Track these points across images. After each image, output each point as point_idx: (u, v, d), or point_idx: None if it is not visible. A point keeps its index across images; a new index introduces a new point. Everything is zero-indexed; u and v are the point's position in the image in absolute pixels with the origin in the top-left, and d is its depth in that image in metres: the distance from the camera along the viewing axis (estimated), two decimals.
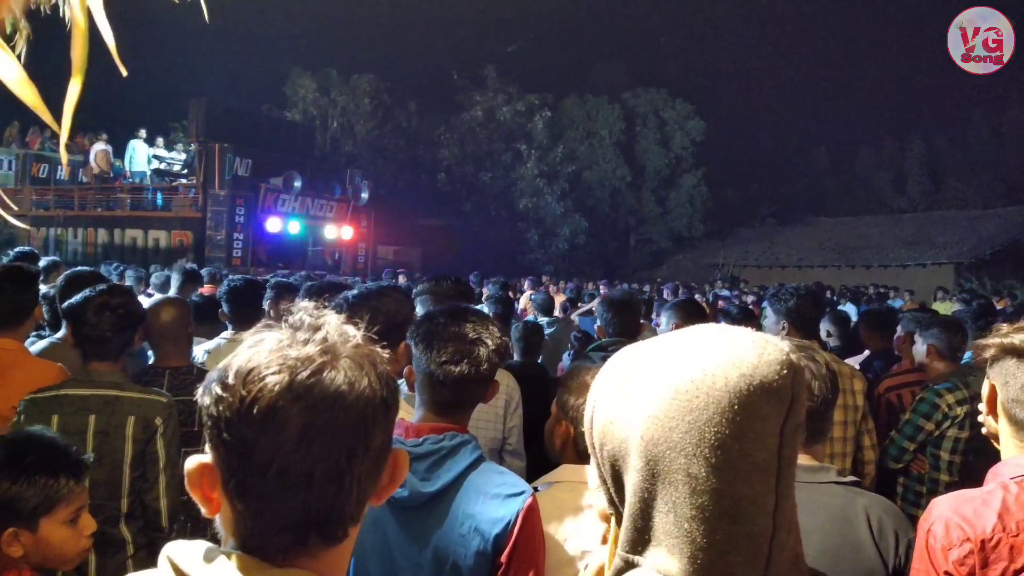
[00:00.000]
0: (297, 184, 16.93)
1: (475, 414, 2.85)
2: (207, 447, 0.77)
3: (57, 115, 1.42)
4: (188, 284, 5.65)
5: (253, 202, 16.61)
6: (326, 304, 0.84)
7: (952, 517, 1.48)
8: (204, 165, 16.58)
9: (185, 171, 18.49)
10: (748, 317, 4.60)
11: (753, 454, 0.73)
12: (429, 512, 1.57)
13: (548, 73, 36.50)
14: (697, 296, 12.40)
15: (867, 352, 4.68)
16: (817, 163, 42.90)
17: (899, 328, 4.50)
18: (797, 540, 0.78)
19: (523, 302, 11.26)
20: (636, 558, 0.79)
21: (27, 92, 1.36)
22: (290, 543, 0.75)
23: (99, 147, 18.17)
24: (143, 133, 17.84)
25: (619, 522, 0.84)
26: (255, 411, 0.71)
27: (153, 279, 7.03)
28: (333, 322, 0.79)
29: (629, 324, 3.66)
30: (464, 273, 17.70)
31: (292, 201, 17.33)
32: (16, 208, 17.11)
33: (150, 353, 3.18)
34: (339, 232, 18.76)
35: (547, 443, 1.98)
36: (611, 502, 0.85)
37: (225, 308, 3.93)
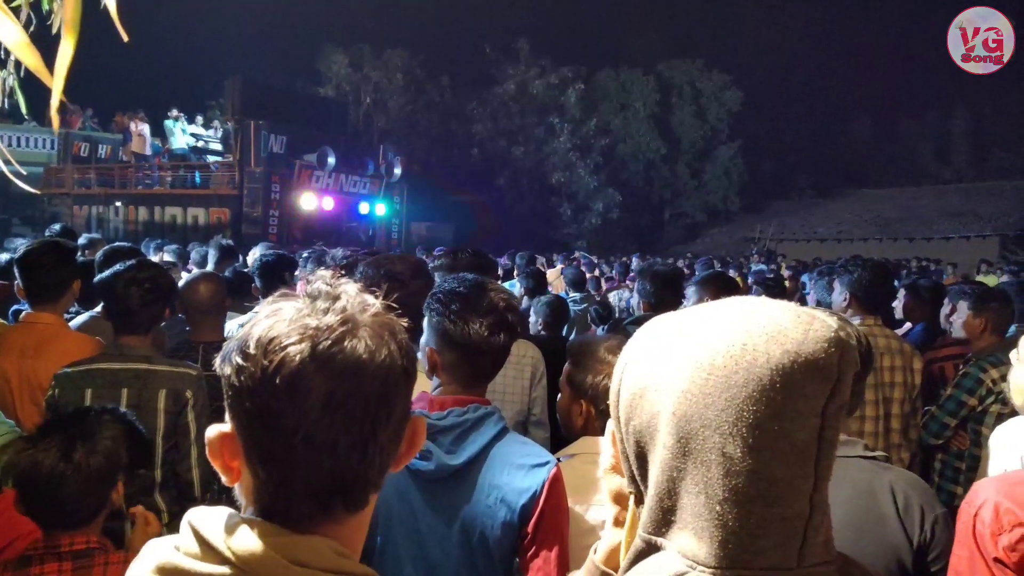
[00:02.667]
0: (331, 160, 17.03)
1: (502, 387, 2.88)
2: (227, 416, 0.77)
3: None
4: (224, 260, 5.72)
5: (288, 179, 16.77)
6: (343, 274, 0.83)
7: (1002, 501, 1.41)
8: (240, 143, 16.74)
9: (221, 148, 18.71)
10: (783, 292, 4.51)
11: (793, 435, 0.69)
12: (455, 484, 1.58)
13: (581, 45, 36.10)
14: (731, 271, 12.21)
15: (908, 325, 4.59)
16: (858, 134, 41.86)
17: (946, 301, 4.39)
18: (829, 523, 0.75)
19: (551, 276, 11.23)
20: (659, 540, 0.76)
21: (28, 56, 1.36)
22: (314, 510, 0.76)
23: (137, 126, 18.45)
24: (175, 112, 18.06)
25: (639, 502, 0.81)
26: (278, 380, 0.71)
27: (193, 255, 7.14)
28: (351, 291, 0.79)
29: (671, 298, 3.57)
30: (497, 248, 17.71)
31: (326, 178, 17.45)
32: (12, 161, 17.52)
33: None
34: (373, 208, 18.86)
35: (563, 422, 1.97)
36: (632, 480, 0.82)
37: (258, 283, 3.97)
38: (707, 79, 34.22)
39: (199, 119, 19.41)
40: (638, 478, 0.81)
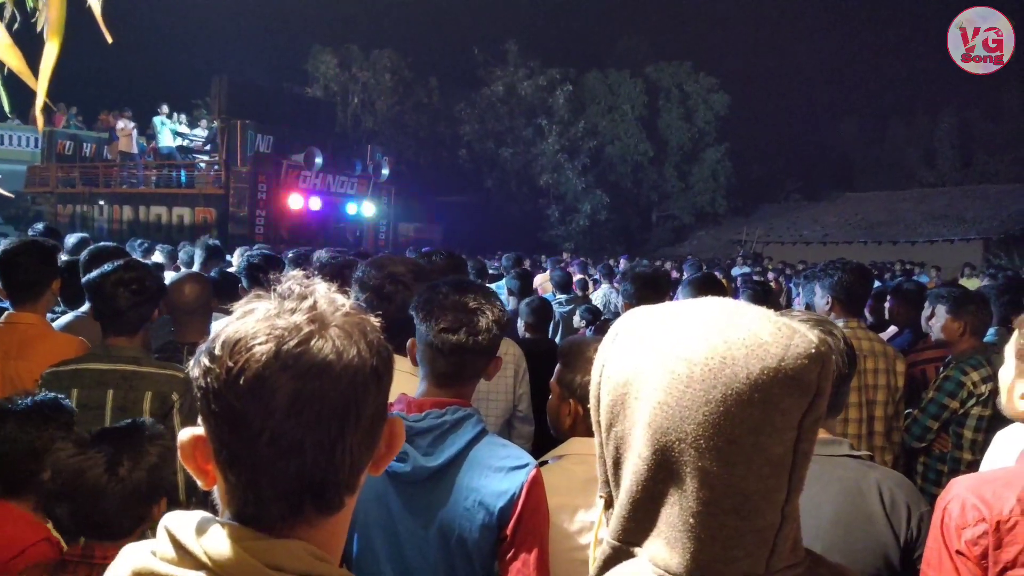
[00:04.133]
0: (318, 160, 16.96)
1: (486, 387, 2.90)
2: (199, 419, 0.77)
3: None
4: (211, 260, 5.70)
5: (275, 179, 16.69)
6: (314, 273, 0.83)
7: (969, 497, 1.45)
8: (226, 142, 16.66)
9: (208, 147, 18.61)
10: (768, 295, 4.54)
11: (769, 449, 0.70)
12: (433, 487, 1.57)
13: (569, 47, 36.23)
14: (717, 273, 12.26)
15: (893, 328, 4.62)
16: (845, 138, 42.12)
17: (926, 304, 4.44)
18: (798, 526, 0.76)
19: (539, 280, 11.24)
20: (632, 548, 0.77)
21: (11, 57, 1.36)
22: (286, 512, 0.75)
23: (123, 124, 18.32)
24: (165, 109, 17.93)
25: (608, 505, 0.81)
26: (242, 381, 0.71)
27: (181, 255, 7.11)
28: (322, 291, 0.79)
29: (653, 299, 3.59)
30: (486, 250, 17.68)
31: (313, 178, 17.38)
32: None
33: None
34: (360, 209, 18.80)
35: (552, 423, 1.98)
36: (605, 483, 0.82)
37: (245, 283, 3.96)
38: (695, 82, 34.34)
39: (184, 118, 19.26)
40: (611, 483, 0.81)
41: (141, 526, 1.67)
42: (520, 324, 4.54)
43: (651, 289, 3.64)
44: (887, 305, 4.63)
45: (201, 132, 19.44)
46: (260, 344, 0.72)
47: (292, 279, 0.79)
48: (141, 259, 4.46)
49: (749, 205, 36.05)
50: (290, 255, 4.52)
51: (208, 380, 0.73)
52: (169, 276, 3.66)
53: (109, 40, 1.48)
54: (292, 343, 0.72)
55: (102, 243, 4.32)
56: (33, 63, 1.41)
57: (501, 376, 2.92)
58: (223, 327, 0.76)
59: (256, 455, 0.72)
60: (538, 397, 3.09)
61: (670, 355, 0.73)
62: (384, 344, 0.80)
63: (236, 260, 5.94)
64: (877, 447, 3.06)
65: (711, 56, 36.38)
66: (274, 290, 0.78)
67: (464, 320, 1.61)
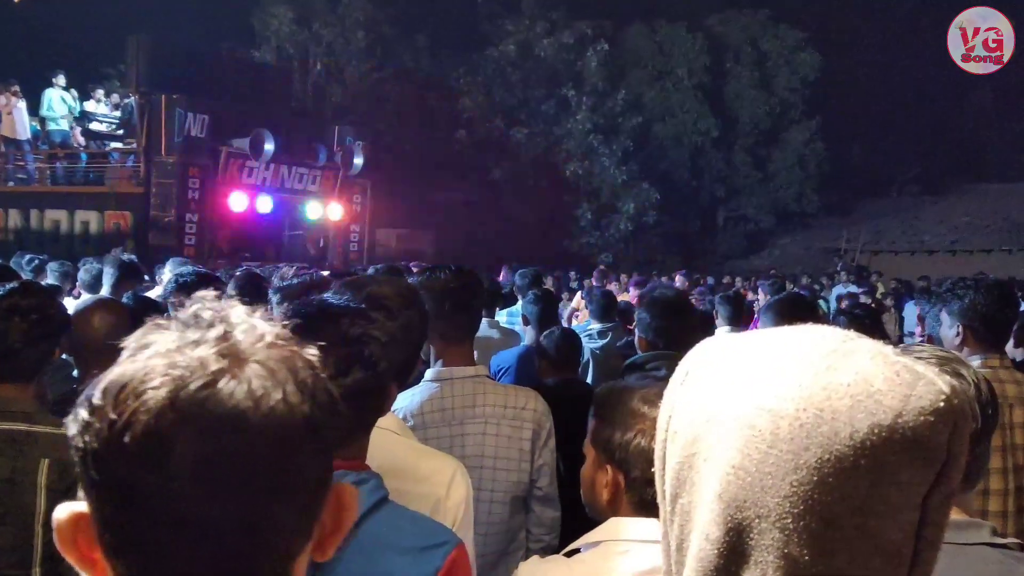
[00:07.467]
0: (269, 147, 17.04)
1: (493, 450, 2.90)
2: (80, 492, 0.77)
3: None
4: (124, 281, 5.75)
5: (211, 172, 16.81)
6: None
7: None
8: (147, 123, 16.80)
9: (121, 132, 18.75)
10: (877, 323, 4.54)
11: (881, 534, 0.69)
12: None
13: None
14: (806, 293, 12.23)
15: None
16: (978, 111, 42.01)
17: None
18: None
19: (576, 302, 11.28)
20: None
21: None
22: None
23: (6, 100, 18.47)
24: (62, 79, 18.00)
25: None
26: (128, 439, 0.70)
27: (81, 275, 7.15)
28: (238, 315, 0.79)
29: (680, 332, 3.69)
30: (492, 263, 17.67)
31: (262, 170, 17.48)
32: None
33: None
34: (325, 211, 18.88)
35: (586, 497, 1.98)
36: (668, 574, 0.83)
37: (171, 313, 3.99)
38: (774, 37, 34.43)
39: (99, 93, 19.39)
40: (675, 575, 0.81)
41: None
42: (539, 362, 4.55)
43: (673, 318, 3.70)
44: None
45: (104, 106, 19.43)
46: (152, 389, 0.71)
47: (199, 301, 0.79)
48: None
49: (849, 201, 35.96)
50: (237, 273, 4.55)
51: (87, 439, 0.72)
52: (71, 304, 3.70)
53: None
54: (194, 386, 0.71)
55: None
56: None
57: (513, 437, 2.90)
58: (111, 370, 0.75)
59: (152, 539, 0.72)
60: (568, 459, 3.07)
61: (749, 404, 0.73)
62: (324, 386, 0.80)
63: (164, 278, 5.98)
64: None
65: (797, 1, 36.44)
66: (175, 317, 0.78)
67: (353, 356, 1.60)
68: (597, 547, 1.85)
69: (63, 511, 0.77)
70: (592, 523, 1.94)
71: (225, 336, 0.75)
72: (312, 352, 0.81)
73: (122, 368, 0.74)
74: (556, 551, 2.40)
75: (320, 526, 0.81)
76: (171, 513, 0.71)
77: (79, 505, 0.76)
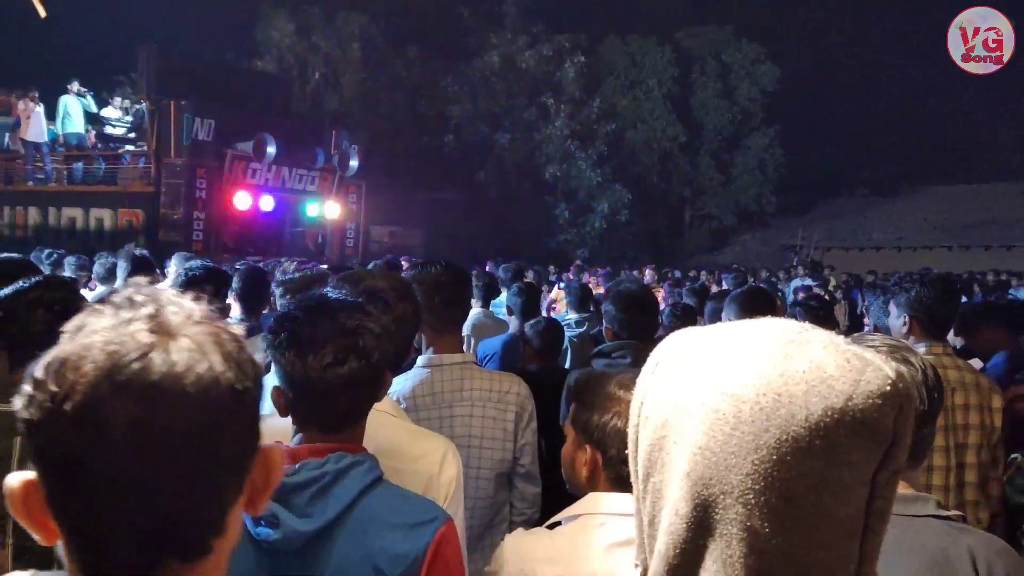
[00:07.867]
0: (271, 150, 16.99)
1: (479, 431, 2.91)
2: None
3: None
4: (137, 273, 5.71)
5: (217, 173, 16.73)
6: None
7: None
8: (157, 128, 16.70)
9: (133, 135, 18.63)
10: (829, 314, 4.57)
11: (835, 509, 0.70)
12: (313, 556, 1.54)
13: (582, 9, 36.27)
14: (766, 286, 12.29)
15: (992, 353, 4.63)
16: (925, 118, 42.17)
17: None
18: None
19: (554, 293, 11.32)
20: None
21: None
22: (140, 567, 0.76)
23: (26, 106, 18.30)
24: (76, 86, 17.92)
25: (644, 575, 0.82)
26: (68, 409, 0.72)
27: (97, 268, 7.11)
28: (167, 297, 0.81)
29: (643, 324, 3.74)
30: (478, 259, 17.67)
31: (264, 171, 17.42)
32: None
33: None
34: (323, 209, 18.83)
35: (567, 474, 1.98)
36: (642, 548, 0.83)
37: None
38: (736, 50, 34.50)
39: (116, 101, 19.24)
40: (647, 547, 0.81)
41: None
42: (523, 350, 4.56)
43: (639, 312, 3.73)
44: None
45: (118, 112, 19.31)
46: (90, 363, 0.73)
47: (132, 286, 0.82)
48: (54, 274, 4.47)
49: (805, 202, 36.11)
50: (238, 266, 4.53)
51: (31, 411, 0.74)
52: (88, 295, 3.68)
53: (43, 15, 1.49)
54: (128, 359, 0.73)
55: (3, 255, 4.33)
56: None
57: (499, 419, 2.91)
58: (52, 349, 0.78)
59: (96, 501, 0.74)
60: (549, 442, 3.09)
61: (713, 390, 0.74)
62: (249, 358, 0.81)
63: (172, 272, 5.95)
64: (969, 502, 3.05)
65: (756, 19, 36.50)
66: (109, 301, 0.80)
67: (350, 346, 1.60)
68: (577, 520, 1.86)
69: (14, 479, 0.79)
70: (571, 498, 1.95)
71: (156, 314, 0.78)
72: (237, 329, 0.83)
73: (62, 347, 0.76)
74: (537, 524, 2.41)
75: (251, 483, 0.83)
76: (109, 475, 0.73)
77: (28, 473, 0.78)
